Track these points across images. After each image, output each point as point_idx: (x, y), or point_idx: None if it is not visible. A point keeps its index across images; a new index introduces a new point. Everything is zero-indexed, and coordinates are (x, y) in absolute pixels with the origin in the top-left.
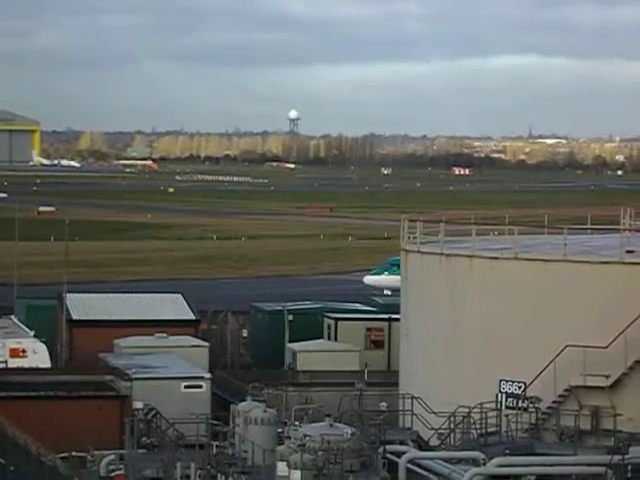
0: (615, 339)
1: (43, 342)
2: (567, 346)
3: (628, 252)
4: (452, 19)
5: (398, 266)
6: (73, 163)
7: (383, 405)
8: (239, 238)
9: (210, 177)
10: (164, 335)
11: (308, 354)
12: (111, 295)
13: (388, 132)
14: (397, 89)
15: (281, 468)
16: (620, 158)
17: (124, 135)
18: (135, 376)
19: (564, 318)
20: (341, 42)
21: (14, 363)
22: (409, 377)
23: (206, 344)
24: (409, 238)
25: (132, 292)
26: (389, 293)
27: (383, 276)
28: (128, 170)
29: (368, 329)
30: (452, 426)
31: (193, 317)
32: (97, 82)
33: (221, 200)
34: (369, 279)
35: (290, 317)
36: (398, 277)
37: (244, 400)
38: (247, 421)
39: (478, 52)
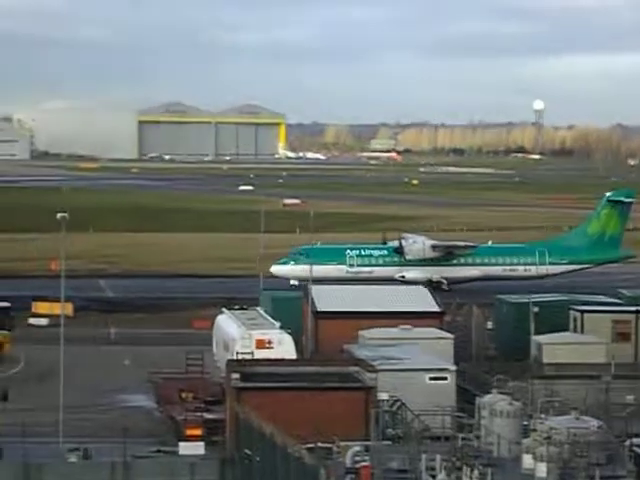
0: None
1: (289, 333)
2: None
3: None
4: None
5: (305, 256)
6: (318, 156)
7: (630, 398)
8: (487, 230)
9: (453, 169)
10: (408, 327)
11: (554, 346)
12: (355, 287)
13: (636, 123)
14: None
15: (527, 461)
16: None
17: (368, 127)
18: (380, 367)
19: None
20: (588, 32)
21: (260, 354)
22: None
23: (451, 336)
24: None
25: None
26: (296, 283)
27: (289, 266)
28: (373, 162)
29: (615, 321)
30: None
31: (437, 309)
32: (341, 75)
33: (463, 192)
34: (276, 269)
35: (536, 309)
36: (303, 267)
37: (489, 392)
38: (492, 413)
39: None
